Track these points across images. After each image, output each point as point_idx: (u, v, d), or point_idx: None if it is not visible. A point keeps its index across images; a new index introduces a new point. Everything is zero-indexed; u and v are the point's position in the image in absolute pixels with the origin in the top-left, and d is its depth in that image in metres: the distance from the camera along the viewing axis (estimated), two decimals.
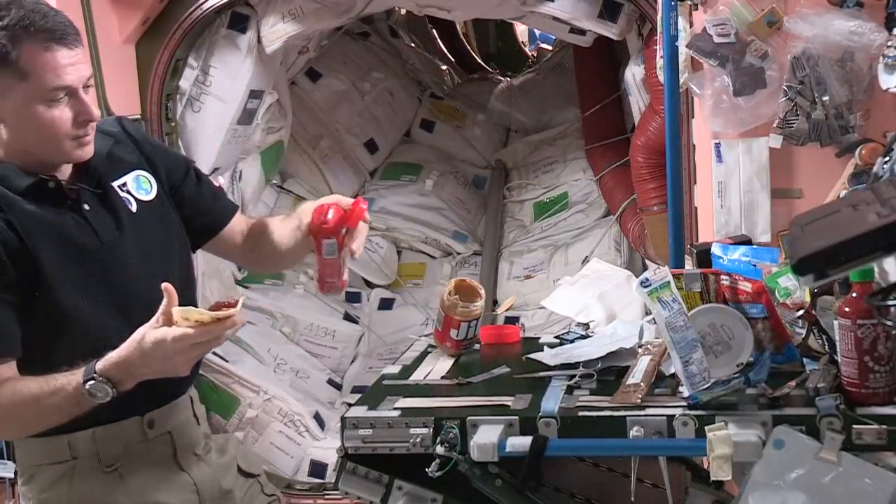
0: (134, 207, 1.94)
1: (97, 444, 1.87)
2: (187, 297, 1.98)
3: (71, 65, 1.79)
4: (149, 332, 1.73)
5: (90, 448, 1.87)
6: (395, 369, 2.21)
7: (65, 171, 1.88)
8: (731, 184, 2.79)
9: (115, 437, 1.89)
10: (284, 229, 2.10)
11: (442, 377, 2.11)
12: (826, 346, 1.90)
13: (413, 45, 6.05)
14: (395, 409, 1.89)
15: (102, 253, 1.86)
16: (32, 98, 1.77)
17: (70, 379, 1.74)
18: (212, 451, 2.06)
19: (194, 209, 2.08)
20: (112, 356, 1.74)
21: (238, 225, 2.17)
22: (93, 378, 1.72)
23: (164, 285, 1.76)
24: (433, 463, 1.78)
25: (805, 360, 1.93)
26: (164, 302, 1.75)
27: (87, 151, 1.86)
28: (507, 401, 1.88)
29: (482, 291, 2.30)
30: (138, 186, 1.97)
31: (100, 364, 1.74)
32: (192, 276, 2.10)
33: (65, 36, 1.78)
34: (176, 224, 2.04)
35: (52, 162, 1.86)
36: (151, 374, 1.78)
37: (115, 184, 1.94)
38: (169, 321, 1.73)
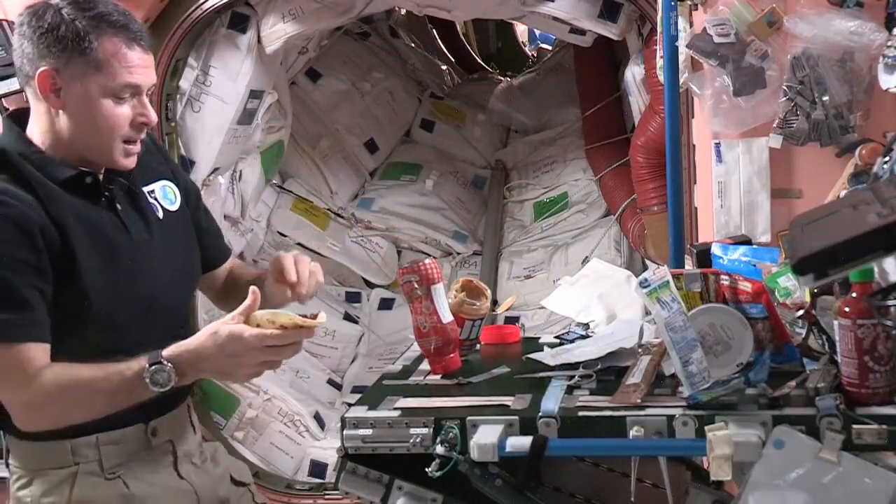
0: (160, 214, 1.98)
1: (100, 451, 1.86)
2: (188, 309, 2.04)
3: (143, 66, 1.86)
4: (223, 326, 1.75)
5: (93, 454, 1.86)
6: (395, 369, 2.21)
7: (100, 171, 1.91)
8: (731, 184, 2.79)
9: (118, 445, 1.88)
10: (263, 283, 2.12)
11: (442, 377, 2.11)
12: (826, 346, 1.90)
13: (413, 45, 6.05)
14: (395, 409, 1.89)
15: (133, 252, 1.88)
16: (102, 90, 1.82)
17: (129, 364, 1.76)
18: (207, 459, 2.06)
19: (198, 240, 2.10)
20: (181, 345, 1.77)
21: (227, 268, 2.20)
22: (159, 362, 1.74)
23: (252, 288, 1.79)
24: (433, 463, 1.78)
25: (805, 360, 1.93)
26: (247, 303, 1.77)
27: (131, 162, 1.90)
28: (507, 401, 1.88)
29: (488, 293, 2.29)
30: (164, 195, 2.01)
31: (166, 351, 1.76)
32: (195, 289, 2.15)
33: (142, 38, 1.86)
34: (194, 237, 2.07)
35: (96, 161, 1.88)
36: (215, 370, 1.80)
37: (145, 189, 1.97)
38: (246, 320, 1.76)
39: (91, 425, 1.83)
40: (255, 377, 1.87)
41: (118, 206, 1.90)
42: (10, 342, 1.73)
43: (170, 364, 1.75)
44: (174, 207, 2.02)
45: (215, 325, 1.77)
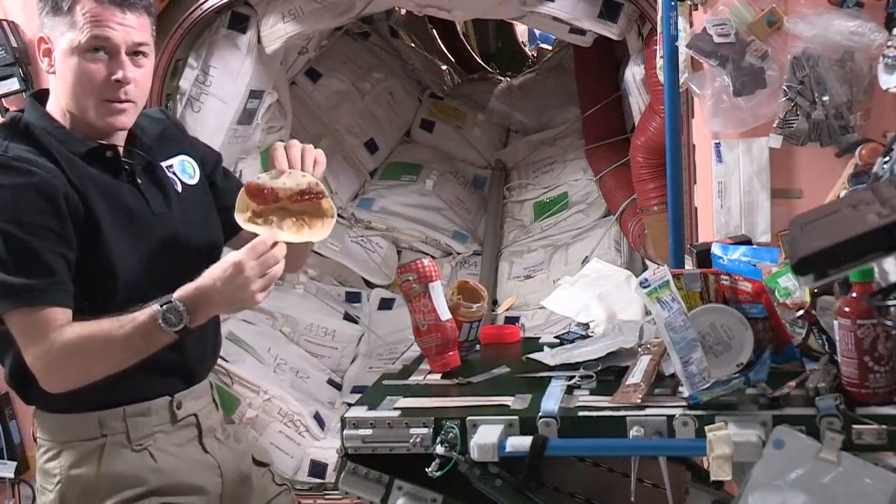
0: (179, 188, 2.01)
1: (127, 423, 1.90)
2: None
3: (120, 24, 1.87)
4: (221, 261, 1.81)
5: (120, 426, 1.90)
6: (395, 369, 2.21)
7: (110, 138, 1.95)
8: (731, 184, 2.80)
9: (144, 417, 1.92)
10: None
11: (442, 377, 2.11)
12: (826, 346, 1.90)
13: (413, 45, 6.05)
14: (395, 409, 1.89)
15: (154, 224, 1.93)
16: (74, 46, 1.85)
17: (143, 311, 1.79)
18: (230, 437, 2.09)
19: (220, 203, 2.11)
20: (190, 285, 1.81)
21: None
22: (169, 302, 1.78)
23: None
24: (433, 463, 1.78)
25: (805, 360, 1.93)
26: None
27: (121, 121, 1.91)
28: (507, 401, 1.88)
29: (485, 294, 2.30)
30: (183, 170, 2.04)
31: (176, 293, 1.80)
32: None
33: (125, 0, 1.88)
34: (214, 210, 2.09)
35: (89, 123, 1.90)
36: (224, 302, 1.81)
37: (164, 164, 2.01)
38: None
39: (118, 397, 1.87)
40: (265, 296, 1.85)
41: (138, 180, 1.94)
42: (33, 306, 1.78)
43: (182, 304, 1.78)
44: (193, 182, 2.05)
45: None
